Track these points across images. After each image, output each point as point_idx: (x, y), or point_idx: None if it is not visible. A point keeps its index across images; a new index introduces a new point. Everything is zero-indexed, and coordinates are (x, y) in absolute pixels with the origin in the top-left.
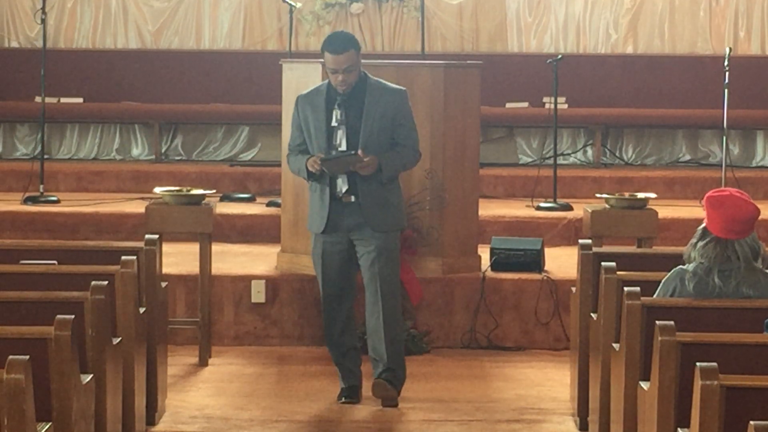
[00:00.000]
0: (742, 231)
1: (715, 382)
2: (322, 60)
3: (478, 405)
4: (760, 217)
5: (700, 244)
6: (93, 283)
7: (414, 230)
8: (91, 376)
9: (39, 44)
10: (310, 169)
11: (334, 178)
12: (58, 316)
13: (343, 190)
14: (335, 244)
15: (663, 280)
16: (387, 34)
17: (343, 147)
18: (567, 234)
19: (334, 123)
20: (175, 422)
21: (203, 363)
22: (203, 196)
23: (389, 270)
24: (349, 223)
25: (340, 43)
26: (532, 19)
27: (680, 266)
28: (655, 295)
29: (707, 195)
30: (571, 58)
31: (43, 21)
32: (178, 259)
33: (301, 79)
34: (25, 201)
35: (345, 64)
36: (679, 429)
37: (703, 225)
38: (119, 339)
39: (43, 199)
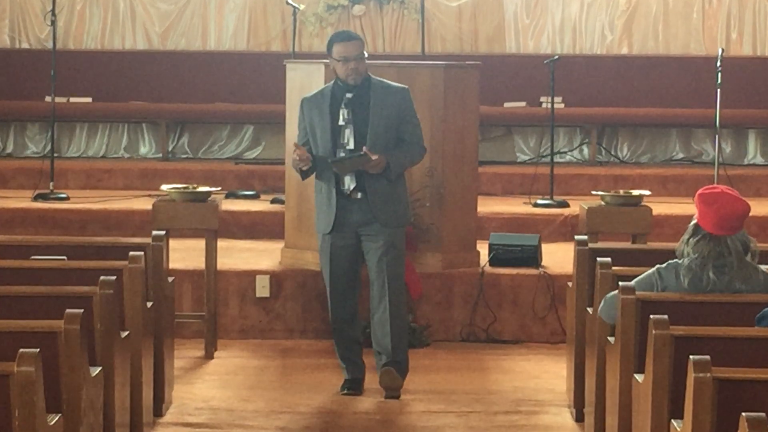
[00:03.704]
0: (734, 227)
1: (708, 375)
2: (324, 60)
3: (477, 397)
4: (753, 214)
5: (693, 240)
6: (101, 278)
7: (414, 227)
8: (99, 368)
9: (49, 45)
10: (294, 164)
11: (341, 176)
12: (68, 311)
13: (351, 187)
14: (343, 240)
15: (645, 273)
16: (388, 36)
17: (351, 146)
18: (563, 230)
19: (341, 122)
20: (182, 413)
21: (209, 356)
22: (209, 193)
23: (396, 265)
24: (357, 219)
25: (349, 33)
26: (529, 20)
27: (674, 260)
28: (635, 280)
29: (699, 192)
30: (568, 58)
31: (53, 23)
32: (185, 254)
33: (304, 80)
34: (36, 198)
35: (356, 51)
36: (672, 420)
37: (694, 221)
38: (127, 332)
39: (53, 196)
